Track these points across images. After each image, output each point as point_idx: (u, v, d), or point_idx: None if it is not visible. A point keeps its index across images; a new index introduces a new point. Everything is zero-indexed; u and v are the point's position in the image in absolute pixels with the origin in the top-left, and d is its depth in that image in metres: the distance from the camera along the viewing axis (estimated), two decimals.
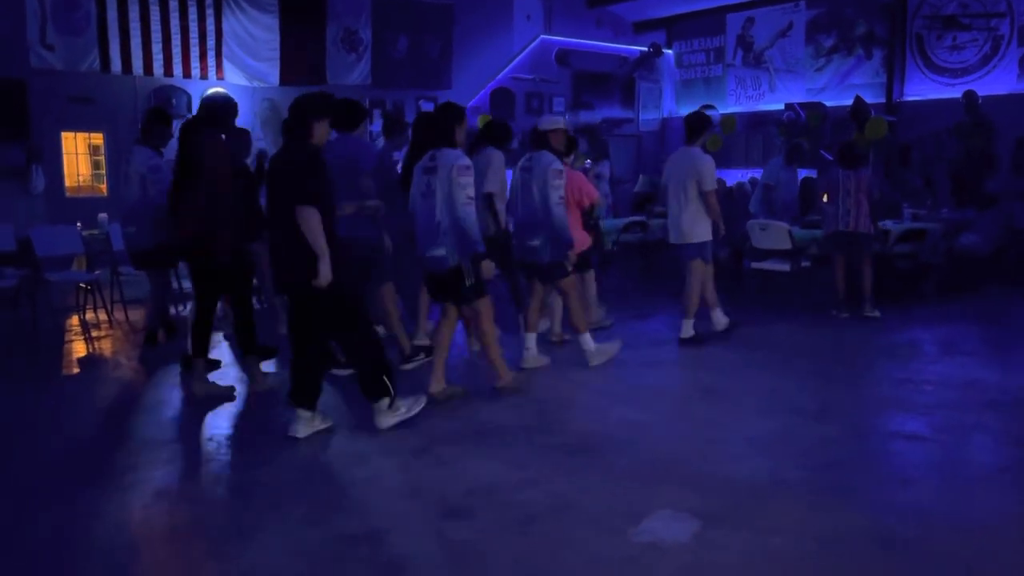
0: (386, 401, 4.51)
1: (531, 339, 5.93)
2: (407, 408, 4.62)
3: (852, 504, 3.62)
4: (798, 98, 13.07)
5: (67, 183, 11.61)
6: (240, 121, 12.37)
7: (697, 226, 6.43)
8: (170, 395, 5.34)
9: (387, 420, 4.53)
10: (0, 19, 10.26)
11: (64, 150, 11.60)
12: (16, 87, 10.69)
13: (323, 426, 4.52)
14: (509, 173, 6.09)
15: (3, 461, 4.24)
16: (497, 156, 6.04)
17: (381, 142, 6.78)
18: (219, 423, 4.77)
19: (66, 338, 6.96)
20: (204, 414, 4.93)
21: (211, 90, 11.11)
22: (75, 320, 7.51)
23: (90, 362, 6.22)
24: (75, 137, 11.64)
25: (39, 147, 10.90)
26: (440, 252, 4.81)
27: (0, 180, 10.53)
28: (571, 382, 5.58)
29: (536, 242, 5.66)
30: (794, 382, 5.57)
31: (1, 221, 7.91)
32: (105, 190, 11.70)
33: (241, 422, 4.79)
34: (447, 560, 3.14)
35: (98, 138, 11.69)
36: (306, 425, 4.45)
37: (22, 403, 5.21)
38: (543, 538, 3.32)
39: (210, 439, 4.52)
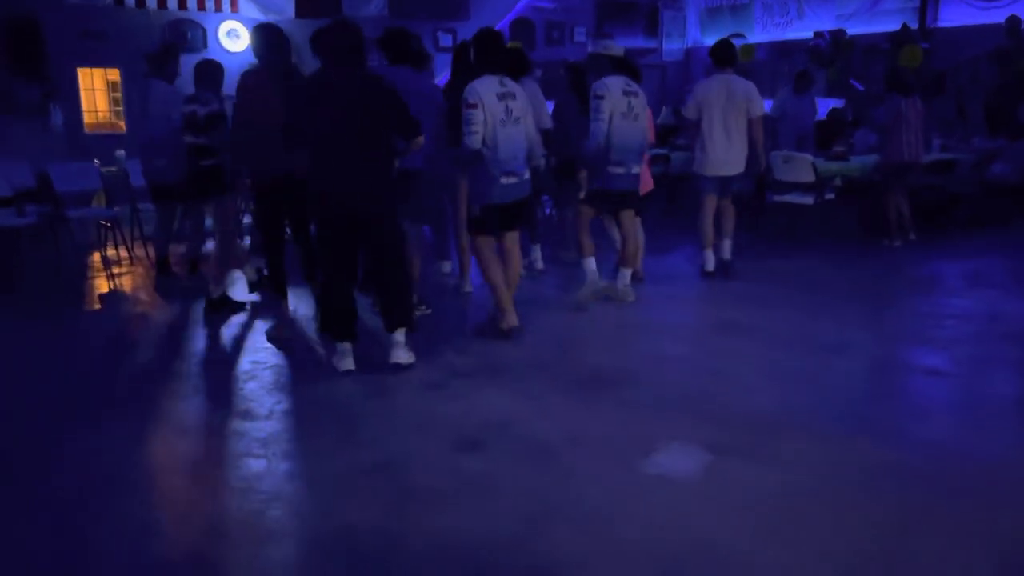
0: (403, 332, 4.48)
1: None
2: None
3: (867, 438, 3.59)
4: (827, 25, 12.65)
5: (86, 119, 11.59)
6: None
7: (743, 156, 6.38)
8: (190, 329, 5.38)
9: (406, 355, 4.50)
10: None
11: (82, 86, 11.55)
12: (30, 24, 10.60)
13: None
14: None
15: (22, 394, 4.30)
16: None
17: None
18: (238, 356, 4.80)
19: (87, 275, 7.01)
20: (223, 348, 4.97)
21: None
22: (97, 257, 7.55)
23: (111, 298, 6.26)
24: (92, 73, 11.58)
25: (56, 84, 10.87)
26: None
27: (18, 118, 10.53)
28: (589, 317, 5.54)
29: (636, 170, 5.55)
30: (816, 316, 5.50)
31: (20, 158, 7.91)
32: (124, 126, 11.67)
33: (261, 355, 4.81)
34: (460, 490, 3.17)
35: (114, 74, 11.61)
36: (407, 349, 4.47)
37: (42, 338, 5.27)
38: (555, 469, 3.34)
39: (229, 372, 4.55)
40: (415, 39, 5.53)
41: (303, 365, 4.67)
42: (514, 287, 5.14)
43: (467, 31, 12.97)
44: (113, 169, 8.12)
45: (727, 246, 6.64)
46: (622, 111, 5.35)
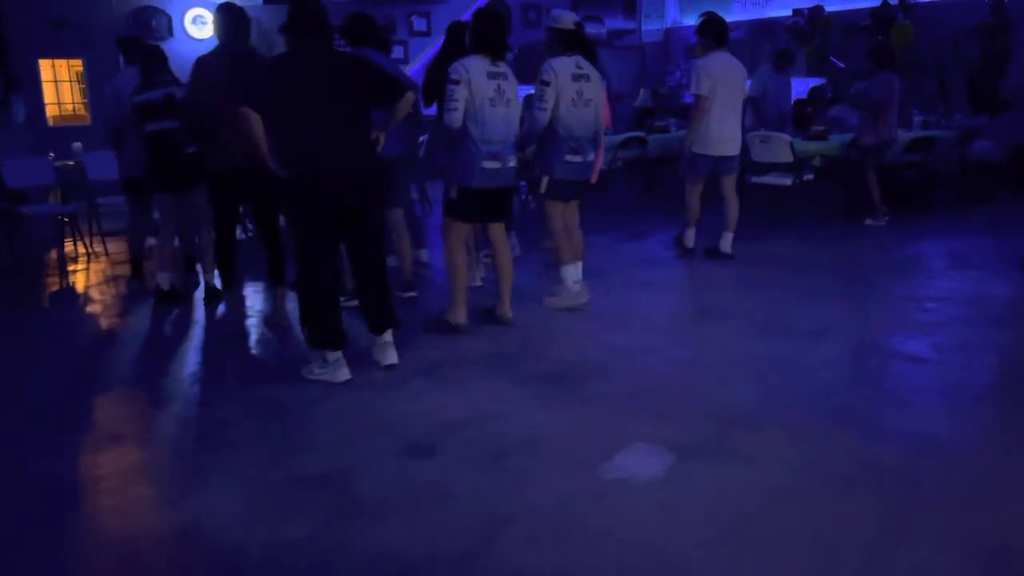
0: (390, 332, 4.26)
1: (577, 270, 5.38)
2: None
3: (842, 431, 3.40)
4: (806, 3, 12.42)
5: (53, 112, 11.28)
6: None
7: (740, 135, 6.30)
8: (145, 329, 5.15)
9: (393, 355, 4.25)
10: None
11: (48, 78, 11.24)
12: None
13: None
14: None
15: None
16: None
17: None
18: (193, 359, 4.59)
19: (42, 271, 6.76)
20: (180, 348, 4.75)
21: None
22: (53, 254, 7.29)
23: (64, 296, 6.03)
24: (54, 64, 11.26)
25: (17, 75, 10.56)
26: (592, 158, 5.10)
27: None
28: (557, 310, 5.32)
29: (591, 158, 5.14)
30: (793, 301, 5.31)
31: None
32: (89, 118, 11.37)
33: (215, 357, 4.59)
34: (407, 500, 2.96)
35: (77, 64, 11.29)
36: (392, 347, 4.25)
37: None
38: (508, 475, 3.13)
39: (181, 375, 4.33)
40: (376, 23, 5.35)
41: (255, 365, 4.45)
42: (508, 281, 4.92)
43: (442, 14, 12.69)
44: (70, 163, 7.84)
45: (729, 239, 6.45)
46: (571, 98, 4.90)
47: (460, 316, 4.78)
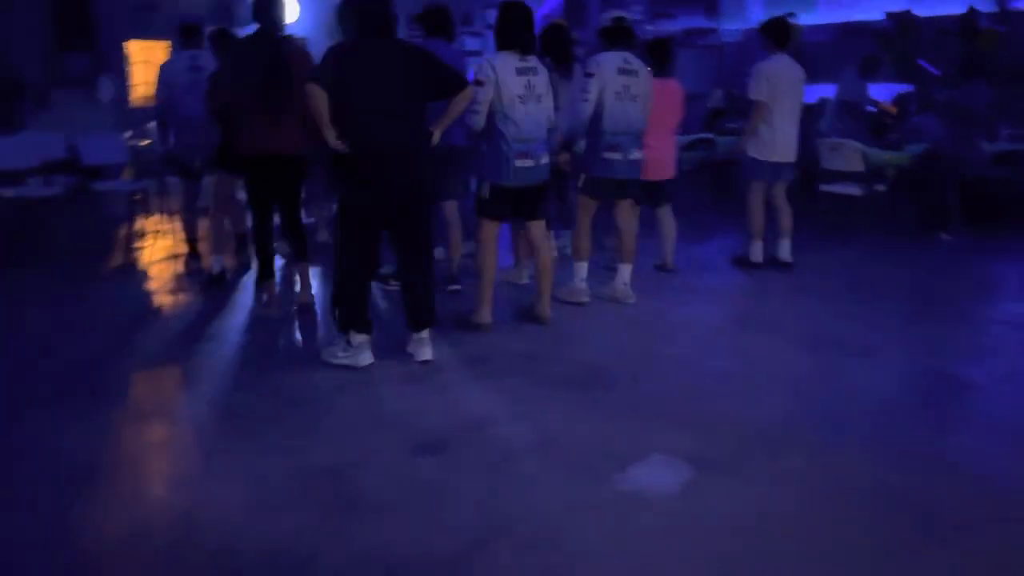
0: (428, 331, 4.25)
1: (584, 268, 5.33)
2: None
3: (870, 456, 3.23)
4: (898, 5, 11.93)
5: (144, 91, 11.64)
6: (304, 29, 12.20)
7: (796, 142, 6.13)
8: (189, 309, 5.25)
9: (428, 351, 4.22)
10: None
11: (139, 59, 11.59)
12: None
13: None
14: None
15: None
16: None
17: None
18: (228, 341, 4.62)
19: (108, 248, 6.96)
20: (217, 330, 4.81)
21: None
22: (125, 230, 7.53)
23: (122, 272, 6.18)
24: (151, 46, 11.58)
25: (105, 56, 10.96)
26: (640, 156, 5.07)
27: (68, 89, 10.64)
28: (599, 310, 5.22)
29: (634, 156, 5.07)
30: (847, 316, 5.09)
31: (69, 131, 7.91)
32: None
33: (250, 340, 4.65)
34: (408, 499, 2.93)
35: (164, 46, 11.63)
36: (429, 344, 4.24)
37: (43, 310, 5.19)
38: (516, 479, 3.07)
39: (213, 357, 4.38)
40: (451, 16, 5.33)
41: (281, 351, 4.49)
42: (548, 280, 4.84)
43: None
44: (145, 142, 8.08)
45: (786, 246, 6.29)
46: (616, 91, 4.88)
47: (485, 316, 4.73)
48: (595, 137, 4.99)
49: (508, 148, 4.44)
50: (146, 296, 5.57)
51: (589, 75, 4.87)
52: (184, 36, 6.03)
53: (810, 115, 9.03)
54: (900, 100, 9.49)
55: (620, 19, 5.12)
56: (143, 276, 6.03)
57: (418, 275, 4.17)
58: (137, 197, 7.75)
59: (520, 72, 4.43)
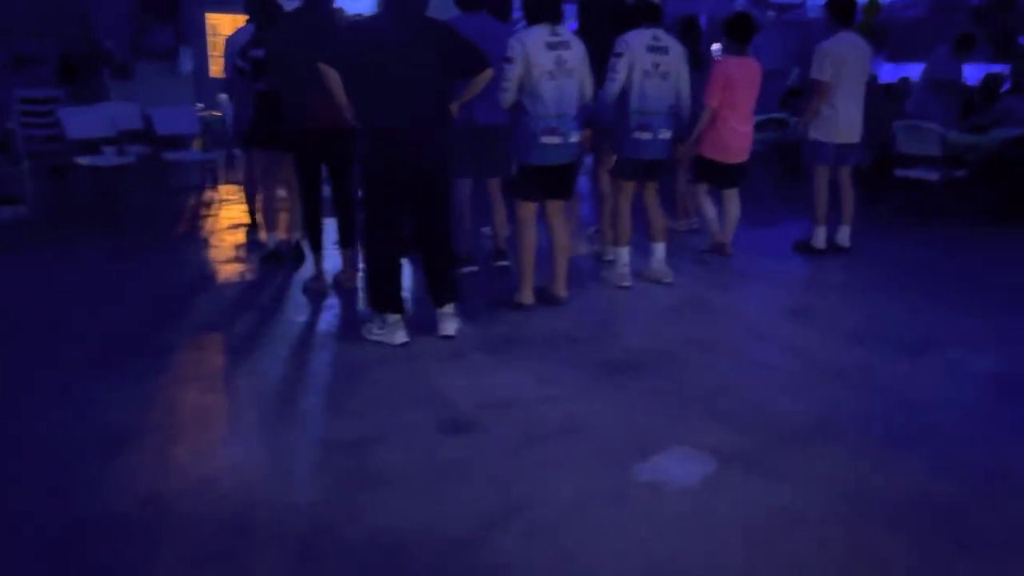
0: (452, 306, 4.27)
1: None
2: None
3: (906, 458, 3.09)
4: None
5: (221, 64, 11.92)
6: (367, 5, 12.28)
7: (861, 123, 5.92)
8: (242, 280, 5.37)
9: (455, 325, 4.26)
10: None
11: (226, 31, 11.83)
12: None
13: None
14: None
15: (49, 331, 4.38)
16: None
17: None
18: (274, 314, 4.71)
19: (175, 216, 7.17)
20: (268, 301, 4.91)
21: None
22: (191, 199, 7.75)
23: (186, 241, 6.34)
24: (232, 19, 11.80)
25: (186, 30, 11.26)
26: (669, 135, 4.96)
27: (150, 62, 10.99)
28: (644, 294, 5.13)
29: (664, 135, 4.98)
30: (903, 308, 4.88)
31: (149, 102, 8.18)
32: None
33: (295, 313, 4.72)
34: (426, 477, 2.93)
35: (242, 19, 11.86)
36: (455, 318, 4.27)
37: (104, 277, 5.38)
38: (536, 463, 3.05)
39: (257, 328, 4.48)
40: None
41: (324, 325, 4.54)
42: (564, 260, 4.78)
43: None
44: (216, 113, 8.29)
45: (846, 233, 6.09)
46: (645, 68, 4.76)
47: (527, 296, 4.69)
48: (624, 118, 4.88)
49: (535, 125, 4.39)
50: (203, 266, 5.73)
51: (618, 55, 4.76)
52: (250, 9, 6.11)
53: (889, 95, 8.67)
54: (990, 80, 8.98)
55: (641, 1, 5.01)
56: (203, 246, 6.19)
57: (437, 250, 4.18)
58: (207, 167, 7.98)
59: (551, 47, 4.35)
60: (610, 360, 4.03)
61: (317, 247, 5.01)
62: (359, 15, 6.28)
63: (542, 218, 4.71)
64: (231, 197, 7.73)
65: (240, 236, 6.39)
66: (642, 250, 5.32)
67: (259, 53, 5.10)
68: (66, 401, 3.53)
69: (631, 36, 4.83)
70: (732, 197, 5.82)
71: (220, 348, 4.21)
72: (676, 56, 4.92)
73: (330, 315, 4.69)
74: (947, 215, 7.04)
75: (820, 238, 6.06)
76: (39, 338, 4.27)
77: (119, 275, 5.40)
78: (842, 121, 5.79)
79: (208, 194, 7.89)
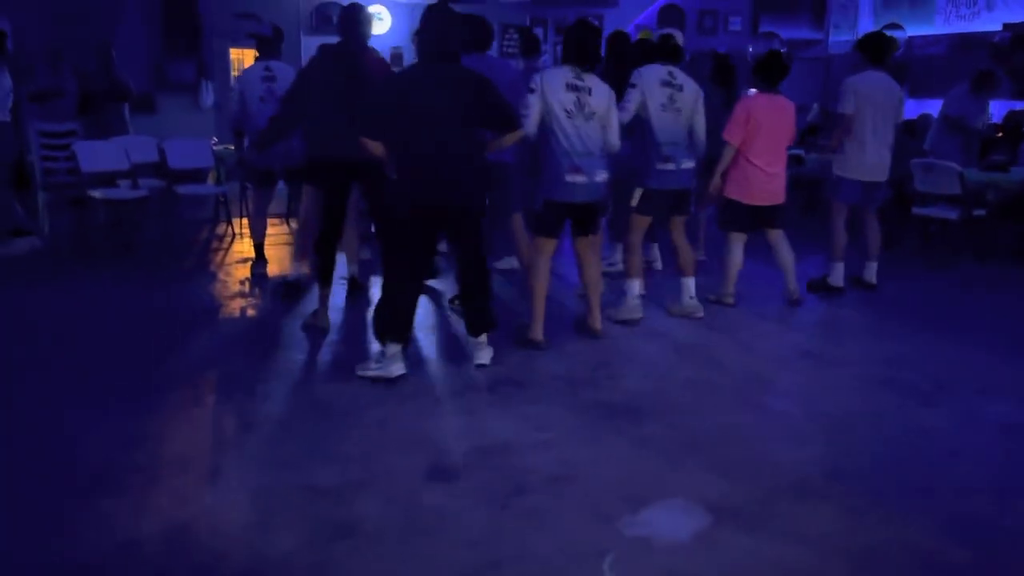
0: (486, 336, 4.35)
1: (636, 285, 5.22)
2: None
3: (912, 513, 2.96)
4: (1021, 18, 11.14)
5: None
6: (397, 39, 12.31)
7: (888, 161, 5.89)
8: (247, 314, 5.34)
9: (487, 354, 4.34)
10: None
11: (247, 66, 11.97)
12: (189, 5, 11.14)
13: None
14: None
15: (44, 364, 4.34)
16: None
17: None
18: (273, 350, 4.64)
19: (185, 248, 7.18)
20: (270, 336, 4.86)
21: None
22: (202, 232, 7.76)
23: (193, 274, 6.32)
24: (255, 54, 11.90)
25: (208, 64, 11.39)
26: (692, 164, 5.03)
27: (173, 95, 11.13)
28: (651, 332, 5.02)
29: (686, 165, 5.05)
30: (919, 350, 4.74)
31: (171, 134, 8.25)
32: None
33: (295, 349, 4.66)
34: (406, 528, 2.83)
35: None
36: (488, 347, 4.36)
37: (109, 310, 5.35)
38: (522, 514, 2.94)
39: (254, 365, 4.41)
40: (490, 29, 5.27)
41: (321, 364, 4.46)
42: (597, 293, 4.83)
43: (615, 18, 12.44)
44: (230, 147, 8.32)
45: (873, 269, 6.03)
46: (660, 102, 4.88)
47: (538, 333, 4.66)
48: (647, 150, 4.95)
49: (559, 162, 4.44)
50: (207, 299, 5.68)
51: (632, 86, 4.89)
52: (259, 47, 6.16)
53: (908, 132, 8.54)
54: (1012, 119, 8.84)
55: (668, 36, 5.12)
56: (209, 279, 6.16)
57: (474, 281, 4.27)
58: (220, 200, 7.99)
59: (570, 88, 4.41)
60: (608, 403, 3.92)
61: (326, 282, 4.93)
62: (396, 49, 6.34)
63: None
64: (240, 230, 7.73)
65: (246, 269, 6.37)
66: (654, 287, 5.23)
67: None
68: (52, 437, 3.47)
69: (646, 70, 4.95)
70: (778, 241, 5.61)
71: (213, 386, 4.14)
72: (691, 93, 4.99)
73: (328, 353, 4.62)
74: (966, 254, 6.88)
75: (838, 275, 5.95)
76: (34, 371, 4.24)
77: (121, 309, 5.38)
78: (868, 159, 5.73)
79: (218, 227, 7.90)
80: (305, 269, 5.59)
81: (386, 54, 7.50)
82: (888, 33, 11.63)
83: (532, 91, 4.41)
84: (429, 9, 4.03)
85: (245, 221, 7.73)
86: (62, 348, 4.60)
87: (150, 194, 7.40)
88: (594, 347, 4.72)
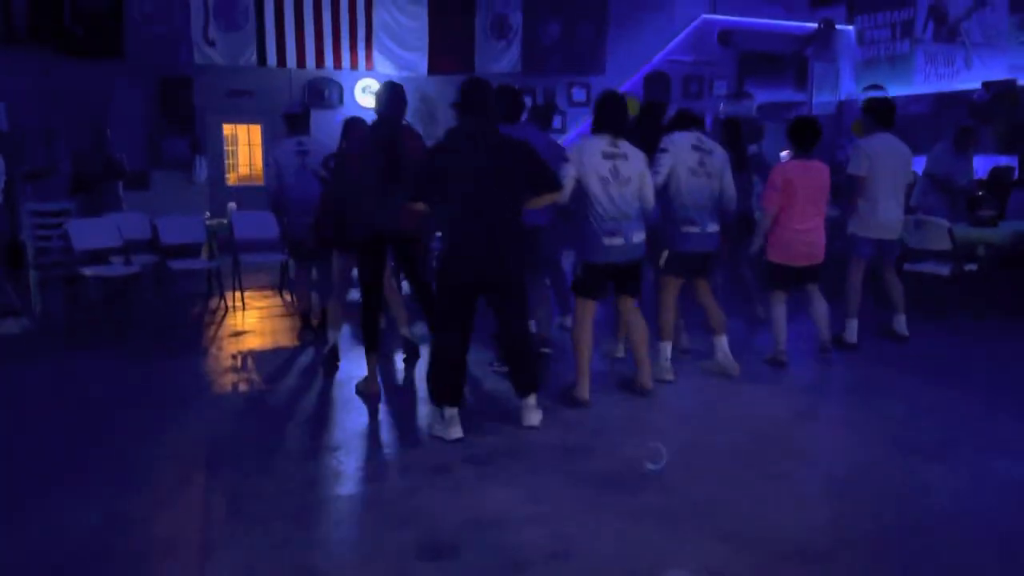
0: (534, 395, 4.45)
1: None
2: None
3: (921, 575, 2.87)
4: (999, 75, 11.39)
5: (242, 172, 12.16)
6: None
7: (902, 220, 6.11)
8: (252, 387, 5.27)
9: (537, 416, 4.44)
10: (169, 22, 10.84)
11: (244, 141, 12.12)
12: (183, 84, 11.32)
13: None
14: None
15: (30, 440, 4.27)
16: None
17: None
18: (270, 425, 4.59)
19: (181, 323, 7.15)
20: (265, 411, 4.80)
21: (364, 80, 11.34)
22: (195, 308, 7.74)
23: (186, 350, 6.29)
24: (248, 129, 12.10)
25: (202, 139, 11.53)
26: (717, 228, 5.18)
27: (168, 171, 11.23)
28: (652, 397, 4.96)
29: (711, 229, 5.18)
30: (921, 409, 4.69)
31: (166, 210, 8.31)
32: (263, 180, 12.17)
33: (294, 427, 4.60)
34: None
35: (256, 129, 12.16)
36: (537, 408, 4.46)
37: (101, 387, 5.29)
38: None
39: (246, 440, 4.34)
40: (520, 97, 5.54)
41: (317, 438, 4.40)
42: (644, 350, 4.93)
43: (602, 85, 12.66)
44: (223, 221, 8.36)
45: (902, 321, 6.19)
46: (690, 167, 5.05)
47: (583, 392, 4.78)
48: (673, 213, 5.12)
49: (597, 227, 4.63)
50: (199, 375, 5.62)
51: (663, 150, 5.07)
52: (290, 124, 6.35)
53: None
54: (995, 175, 8.94)
55: (685, 110, 5.41)
56: (201, 355, 6.11)
57: (517, 340, 4.43)
58: (212, 274, 7.99)
59: (607, 156, 4.63)
60: (606, 473, 3.85)
61: (373, 348, 5.02)
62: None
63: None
64: (234, 304, 7.71)
65: (241, 344, 6.33)
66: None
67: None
68: (37, 519, 3.38)
69: (676, 136, 5.15)
70: (814, 296, 5.72)
71: (202, 464, 4.06)
72: (719, 158, 5.19)
73: (315, 426, 4.55)
74: (959, 310, 6.87)
75: (852, 332, 6.01)
76: (21, 451, 4.16)
77: (111, 387, 5.31)
78: (880, 217, 5.90)
79: (213, 301, 7.88)
80: (338, 336, 5.69)
81: None
82: (872, 94, 11.90)
83: (568, 160, 4.62)
84: (469, 82, 4.31)
85: (238, 294, 7.76)
86: (51, 428, 4.53)
87: (143, 270, 7.41)
88: (590, 414, 4.65)
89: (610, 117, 4.72)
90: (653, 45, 13.28)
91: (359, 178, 4.82)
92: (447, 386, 4.26)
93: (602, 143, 4.66)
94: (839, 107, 14.26)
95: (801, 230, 5.42)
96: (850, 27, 14.22)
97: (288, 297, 8.05)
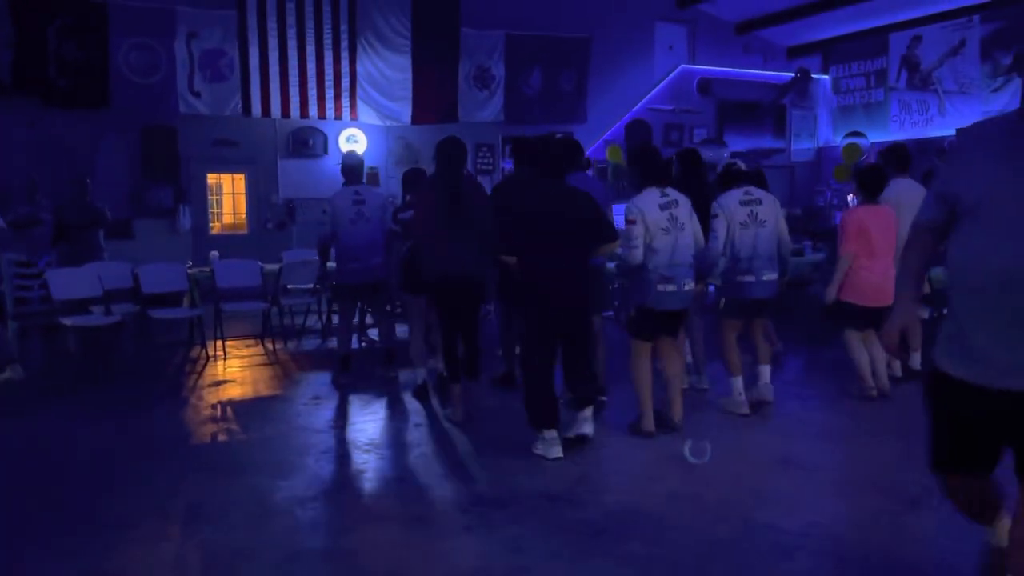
0: (590, 408, 4.83)
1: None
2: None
3: None
4: (971, 122, 11.65)
5: (226, 220, 12.18)
6: (374, 159, 12.54)
7: None
8: (219, 439, 5.22)
9: (590, 426, 4.82)
10: (155, 73, 10.94)
11: (228, 190, 12.16)
12: (168, 133, 11.38)
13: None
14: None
15: (3, 494, 4.20)
16: None
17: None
18: (246, 478, 4.54)
19: (160, 372, 7.09)
20: (240, 461, 4.74)
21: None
22: (176, 357, 7.69)
23: (163, 400, 6.21)
24: (232, 179, 12.14)
25: (186, 188, 11.56)
26: (774, 276, 5.43)
27: (152, 219, 11.23)
28: (631, 442, 4.95)
29: (767, 276, 5.44)
30: (906, 456, 4.66)
31: (150, 259, 8.29)
32: (246, 227, 12.20)
33: (272, 478, 4.55)
34: None
35: (240, 178, 12.20)
36: (591, 421, 4.85)
37: (80, 438, 5.22)
38: None
39: (219, 492, 4.28)
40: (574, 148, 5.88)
41: (294, 489, 4.35)
42: (677, 387, 5.17)
43: (584, 134, 12.81)
44: (206, 270, 8.34)
45: (918, 358, 6.37)
46: (741, 221, 5.34)
47: (648, 424, 5.02)
48: (730, 264, 5.45)
49: (651, 275, 4.88)
50: (177, 426, 5.56)
51: (715, 216, 5.35)
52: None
53: None
54: None
55: (731, 164, 5.68)
56: (181, 405, 6.06)
57: (583, 365, 4.86)
58: (194, 323, 7.95)
59: (663, 207, 4.88)
60: (588, 522, 3.81)
61: (455, 378, 5.41)
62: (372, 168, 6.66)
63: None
64: (217, 353, 7.67)
65: (221, 393, 6.28)
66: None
67: (407, 216, 5.89)
68: (13, 574, 3.32)
69: (723, 198, 5.42)
70: (872, 338, 5.83)
71: (179, 518, 4.00)
72: (769, 204, 5.46)
73: (300, 478, 4.50)
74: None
75: (869, 384, 5.89)
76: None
77: (87, 438, 5.24)
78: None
79: (194, 350, 7.83)
80: (424, 371, 6.08)
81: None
82: (851, 140, 12.10)
83: (632, 222, 4.81)
84: (540, 138, 5.02)
85: (219, 343, 7.72)
86: (26, 482, 4.46)
87: (123, 319, 7.37)
88: (574, 460, 4.63)
89: (655, 168, 4.99)
90: (634, 94, 13.52)
91: (435, 227, 5.17)
92: (544, 412, 4.61)
93: (655, 195, 4.89)
94: (817, 153, 14.51)
95: (875, 270, 5.67)
96: (825, 76, 14.54)
97: (270, 345, 8.02)
